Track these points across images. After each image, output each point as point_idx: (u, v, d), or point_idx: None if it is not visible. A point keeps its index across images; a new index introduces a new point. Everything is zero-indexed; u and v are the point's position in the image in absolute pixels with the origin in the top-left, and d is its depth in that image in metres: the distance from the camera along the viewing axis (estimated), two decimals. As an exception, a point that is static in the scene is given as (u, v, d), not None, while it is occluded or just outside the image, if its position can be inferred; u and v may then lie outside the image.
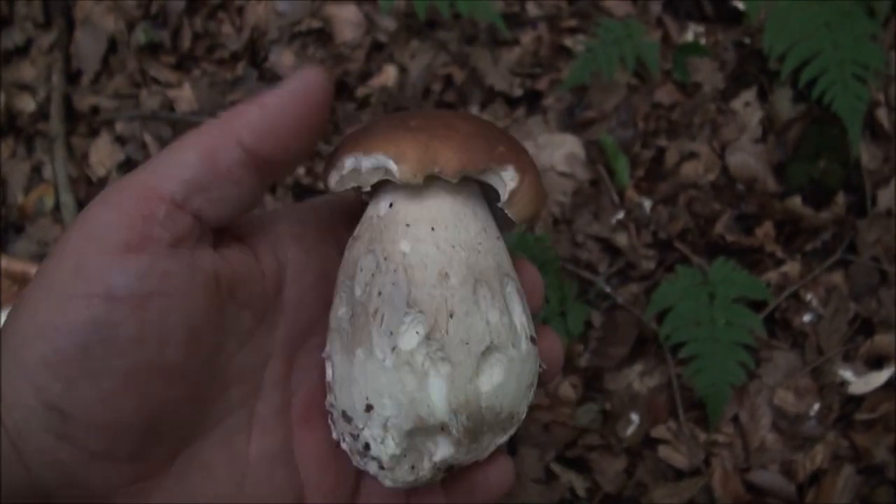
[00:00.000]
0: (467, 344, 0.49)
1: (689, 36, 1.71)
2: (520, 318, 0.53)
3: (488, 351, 0.50)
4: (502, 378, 0.50)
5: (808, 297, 1.48)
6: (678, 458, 1.39)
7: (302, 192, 1.65)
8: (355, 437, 0.51)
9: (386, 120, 0.54)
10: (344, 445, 0.53)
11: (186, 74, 1.86)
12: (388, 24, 1.79)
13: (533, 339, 0.54)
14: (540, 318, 1.36)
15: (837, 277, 1.49)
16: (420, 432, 0.49)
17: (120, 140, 1.82)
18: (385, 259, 0.51)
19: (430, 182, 0.51)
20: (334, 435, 0.54)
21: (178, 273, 0.45)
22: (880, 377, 1.41)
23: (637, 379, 1.45)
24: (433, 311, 0.49)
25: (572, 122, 1.67)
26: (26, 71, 1.90)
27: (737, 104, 1.63)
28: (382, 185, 0.53)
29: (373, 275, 0.51)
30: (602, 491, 1.38)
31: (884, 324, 1.43)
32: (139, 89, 1.85)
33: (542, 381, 0.58)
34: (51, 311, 0.43)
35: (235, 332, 0.50)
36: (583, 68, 1.56)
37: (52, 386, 0.42)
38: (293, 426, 0.55)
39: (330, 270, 0.57)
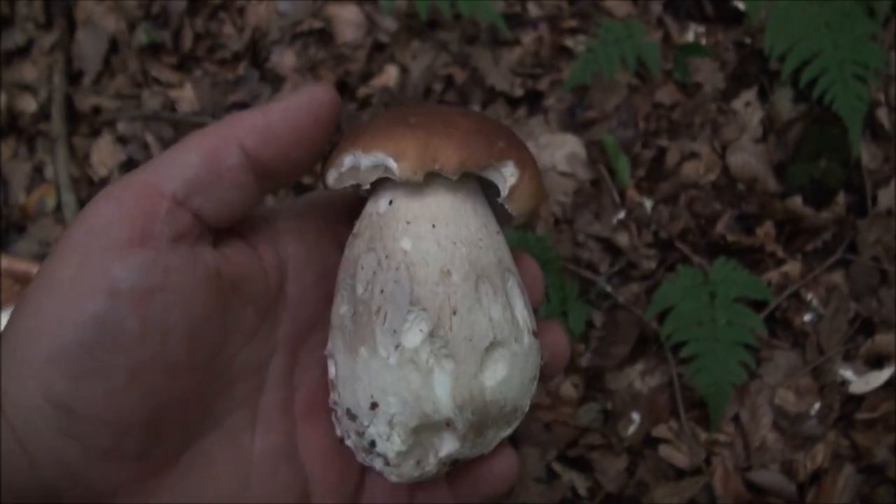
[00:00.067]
0: (471, 340, 0.49)
1: (690, 36, 1.71)
2: (521, 312, 0.53)
3: (492, 346, 0.50)
4: (506, 373, 0.51)
5: (809, 296, 1.48)
6: (679, 457, 1.39)
7: (303, 191, 1.65)
8: (360, 435, 0.51)
9: (384, 117, 0.53)
10: (348, 442, 0.53)
11: (188, 75, 1.86)
12: (390, 24, 1.79)
13: (534, 333, 0.54)
14: (540, 317, 1.36)
15: (838, 277, 1.49)
16: (425, 428, 0.49)
17: (121, 140, 1.82)
18: (386, 257, 0.51)
19: (430, 179, 0.51)
20: (338, 432, 0.54)
21: (179, 268, 0.46)
22: (881, 377, 1.41)
23: (638, 378, 1.46)
24: (436, 308, 0.49)
25: (573, 122, 1.67)
26: (28, 71, 1.90)
27: (737, 104, 1.63)
28: (381, 183, 0.53)
29: (374, 273, 0.51)
30: (603, 490, 1.38)
31: (884, 323, 1.44)
32: (141, 89, 1.85)
33: (546, 375, 0.58)
34: (55, 307, 0.43)
35: (239, 328, 0.51)
36: (584, 68, 1.56)
37: (57, 383, 0.42)
38: (296, 422, 0.55)
39: (330, 266, 0.57)
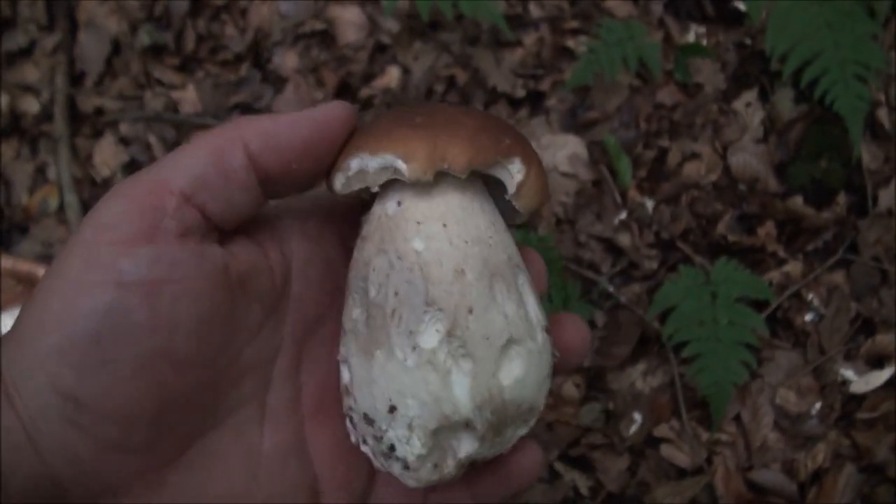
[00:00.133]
0: (488, 339, 0.49)
1: (691, 37, 1.71)
2: (534, 309, 0.53)
3: (508, 344, 0.50)
4: (523, 370, 0.50)
5: (810, 296, 1.48)
6: (681, 457, 1.39)
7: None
8: (378, 440, 0.50)
9: (388, 118, 0.53)
10: (365, 448, 0.53)
11: (190, 76, 1.86)
12: (392, 25, 1.80)
13: (547, 330, 0.54)
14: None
15: (839, 277, 1.50)
16: (445, 430, 0.49)
17: (124, 141, 1.82)
18: (399, 258, 0.50)
19: (438, 178, 0.51)
20: (353, 438, 0.54)
21: (187, 261, 0.46)
22: (881, 376, 1.41)
23: (640, 378, 1.46)
24: (452, 307, 0.49)
25: (575, 123, 1.68)
26: (30, 72, 1.91)
27: (738, 104, 1.64)
28: (389, 184, 0.52)
29: (387, 275, 0.51)
30: (605, 490, 1.38)
31: (885, 323, 1.44)
32: (143, 91, 1.85)
33: (566, 369, 0.58)
34: (63, 300, 0.43)
35: (245, 324, 0.51)
36: (585, 69, 1.56)
37: (63, 374, 0.42)
38: (304, 420, 0.55)
39: (334, 264, 0.57)
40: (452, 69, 1.74)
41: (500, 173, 0.53)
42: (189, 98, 1.82)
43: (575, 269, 1.53)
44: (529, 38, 1.76)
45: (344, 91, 1.77)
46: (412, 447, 0.49)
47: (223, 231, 0.50)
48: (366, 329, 0.51)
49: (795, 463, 1.36)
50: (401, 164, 0.50)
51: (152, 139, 1.79)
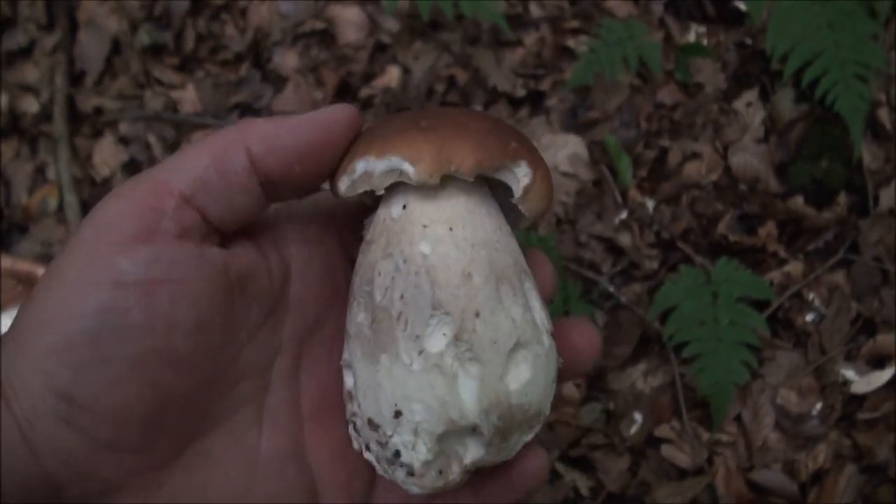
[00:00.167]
0: (495, 343, 0.49)
1: (691, 36, 1.71)
2: (539, 313, 0.53)
3: (515, 348, 0.50)
4: (530, 375, 0.50)
5: (811, 296, 1.48)
6: (681, 457, 1.39)
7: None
8: (383, 445, 0.50)
9: (394, 121, 0.53)
10: (368, 455, 0.52)
11: (190, 75, 1.86)
12: (392, 25, 1.80)
13: (552, 335, 0.54)
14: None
15: (839, 277, 1.50)
16: (451, 435, 0.49)
17: (123, 141, 1.82)
18: (405, 262, 0.50)
19: (444, 182, 0.51)
20: (355, 445, 0.53)
21: (186, 262, 0.46)
22: (882, 377, 1.41)
23: (640, 378, 1.46)
24: (459, 311, 0.49)
25: (575, 123, 1.68)
26: (29, 72, 1.91)
27: (739, 104, 1.63)
28: (394, 187, 0.52)
29: (392, 278, 0.50)
30: (605, 490, 1.38)
31: (886, 323, 1.44)
32: (143, 90, 1.85)
33: (575, 373, 0.58)
34: (60, 299, 0.43)
35: (243, 326, 0.51)
36: (586, 69, 1.56)
37: (60, 373, 0.42)
38: (304, 424, 0.55)
39: (334, 267, 0.57)
40: (453, 69, 1.74)
41: (506, 177, 0.53)
42: (189, 98, 1.82)
43: (575, 268, 1.53)
44: (530, 38, 1.76)
45: (344, 91, 1.77)
46: (418, 453, 0.48)
47: (224, 233, 0.50)
48: (371, 333, 0.50)
49: (796, 463, 1.36)
50: (407, 167, 0.49)
51: (152, 139, 1.79)
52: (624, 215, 1.58)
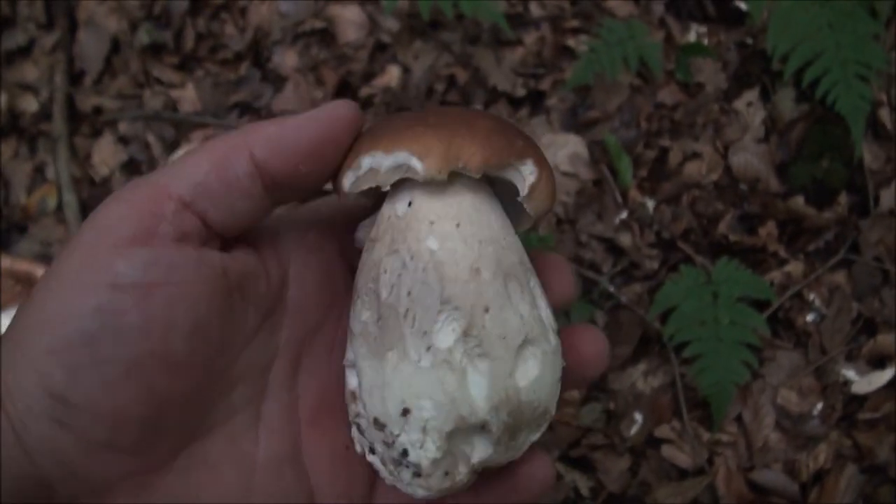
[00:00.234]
0: (504, 338, 0.48)
1: (692, 36, 1.71)
2: (545, 311, 0.53)
3: (524, 345, 0.49)
4: (538, 371, 0.50)
5: (811, 296, 1.48)
6: (682, 457, 1.39)
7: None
8: (389, 445, 0.49)
9: (399, 118, 0.53)
10: (372, 458, 0.51)
11: (189, 75, 1.86)
12: (392, 24, 1.79)
13: (557, 333, 0.53)
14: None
15: (840, 277, 1.49)
16: (459, 433, 0.48)
17: (123, 140, 1.82)
18: (412, 258, 0.50)
19: (450, 179, 0.51)
20: (358, 448, 0.53)
21: (184, 265, 0.46)
22: (883, 377, 1.41)
23: (641, 378, 1.46)
24: (469, 306, 0.48)
25: (576, 123, 1.67)
26: (29, 71, 1.90)
27: (739, 104, 1.63)
28: (398, 184, 0.52)
29: (399, 275, 0.50)
30: (606, 490, 1.38)
31: (886, 323, 1.44)
32: (142, 90, 1.85)
33: (583, 381, 0.57)
34: (57, 300, 0.43)
35: (241, 329, 0.51)
36: (586, 69, 1.56)
37: (54, 373, 0.42)
38: (301, 429, 0.55)
39: (333, 273, 0.57)
40: (453, 68, 1.74)
41: (511, 175, 0.53)
42: (188, 97, 1.82)
43: (576, 269, 1.53)
44: (530, 38, 1.75)
45: (344, 90, 1.77)
46: (426, 451, 0.48)
47: (225, 237, 0.50)
48: (377, 331, 0.50)
49: (797, 463, 1.36)
50: (416, 162, 0.49)
51: (151, 138, 1.79)
52: (624, 215, 1.58)
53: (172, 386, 0.46)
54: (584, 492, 1.38)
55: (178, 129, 1.80)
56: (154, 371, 0.45)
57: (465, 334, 0.48)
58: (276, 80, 1.81)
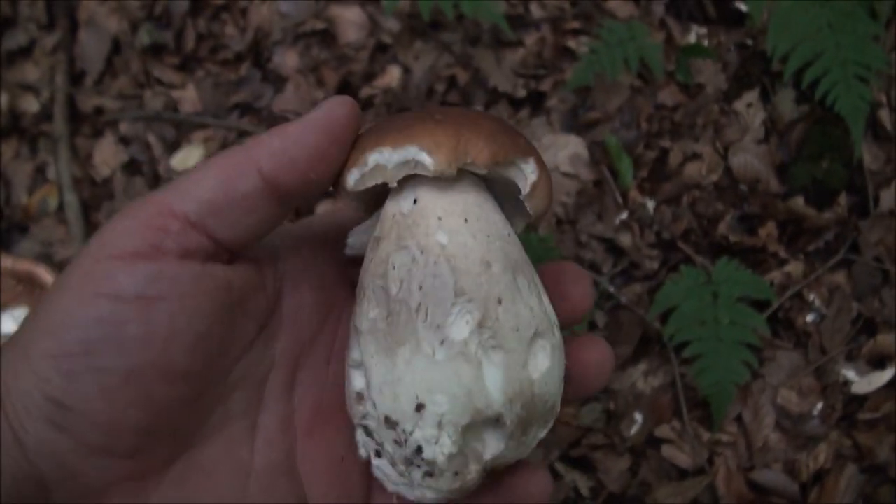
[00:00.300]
0: (518, 330, 0.48)
1: (692, 37, 1.71)
2: (549, 306, 0.53)
3: (535, 337, 0.50)
4: (549, 364, 0.50)
5: (811, 296, 1.48)
6: (682, 457, 1.39)
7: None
8: (402, 444, 0.48)
9: (402, 117, 0.53)
10: (378, 462, 0.51)
11: (190, 75, 1.86)
12: (392, 25, 1.80)
13: (560, 329, 0.54)
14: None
15: (840, 277, 1.50)
16: (474, 427, 0.48)
17: (124, 140, 1.82)
18: (422, 252, 0.50)
19: (456, 175, 0.51)
20: (363, 453, 0.52)
21: (187, 279, 0.46)
22: (883, 377, 1.41)
23: (641, 378, 1.46)
24: (482, 298, 0.48)
25: (576, 123, 1.68)
26: (30, 72, 1.90)
27: (739, 105, 1.64)
28: (402, 182, 0.52)
29: (409, 270, 0.49)
30: (606, 490, 1.38)
31: (886, 324, 1.44)
32: (143, 90, 1.85)
33: (587, 391, 0.57)
34: (59, 309, 0.44)
35: (239, 340, 0.51)
36: (586, 69, 1.56)
37: (52, 378, 0.43)
38: (297, 440, 0.55)
39: (327, 284, 0.57)
40: (453, 69, 1.74)
41: (514, 173, 0.53)
42: (189, 97, 1.82)
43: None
44: (530, 39, 1.76)
45: (344, 90, 1.77)
46: (442, 446, 0.47)
47: (232, 250, 0.50)
48: (387, 327, 0.49)
49: (797, 463, 1.36)
50: (425, 157, 0.49)
51: (152, 138, 1.79)
52: (624, 215, 1.58)
53: (171, 395, 0.46)
54: (585, 491, 1.38)
55: (179, 130, 1.80)
56: (153, 381, 0.45)
57: (480, 326, 0.48)
58: (277, 81, 1.82)
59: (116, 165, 1.79)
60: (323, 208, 1.64)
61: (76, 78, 1.89)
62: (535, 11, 1.78)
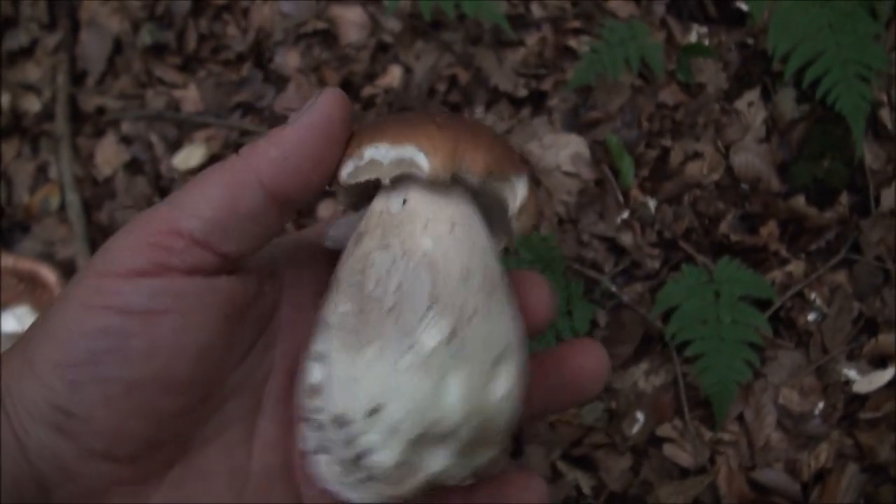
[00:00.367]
0: (486, 348, 0.48)
1: (693, 37, 1.71)
2: (520, 327, 0.52)
3: (500, 357, 0.49)
4: (509, 387, 0.49)
5: (813, 296, 1.48)
6: (683, 456, 1.39)
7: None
8: (349, 444, 0.47)
9: (404, 116, 0.53)
10: (319, 457, 0.50)
11: (192, 75, 1.86)
12: (393, 25, 1.80)
13: (528, 351, 0.53)
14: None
15: (841, 277, 1.50)
16: (424, 440, 0.47)
17: (125, 140, 1.82)
18: (404, 254, 0.49)
19: (449, 183, 0.51)
20: (304, 444, 0.51)
21: (193, 294, 0.47)
22: (884, 376, 1.41)
23: (642, 377, 1.46)
24: (457, 309, 0.47)
25: (577, 123, 1.68)
26: (31, 71, 1.91)
27: (741, 104, 1.64)
28: (393, 181, 0.51)
29: (388, 270, 0.49)
30: (607, 489, 1.38)
31: (887, 323, 1.44)
32: (145, 90, 1.85)
33: (584, 397, 0.57)
34: (66, 319, 0.45)
35: (239, 347, 0.52)
36: (587, 69, 1.56)
37: (57, 386, 0.43)
38: (294, 443, 0.55)
39: (325, 288, 0.57)
40: (454, 68, 1.74)
41: (505, 188, 0.52)
42: (191, 97, 1.82)
43: (577, 268, 1.53)
44: (531, 38, 1.76)
45: (346, 90, 1.74)
46: (389, 453, 0.46)
47: (236, 261, 0.51)
48: (356, 323, 0.48)
49: (798, 463, 1.36)
50: (422, 159, 0.49)
51: (154, 138, 1.79)
52: (626, 215, 1.58)
53: (172, 405, 0.47)
54: (586, 490, 1.38)
55: (181, 129, 1.80)
56: (155, 392, 0.46)
57: (450, 338, 0.47)
58: (279, 81, 1.82)
59: (118, 165, 1.79)
60: (324, 207, 1.64)
61: (78, 78, 1.89)
62: (536, 11, 1.78)
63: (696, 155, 1.61)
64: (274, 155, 0.48)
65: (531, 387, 0.55)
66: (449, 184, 0.51)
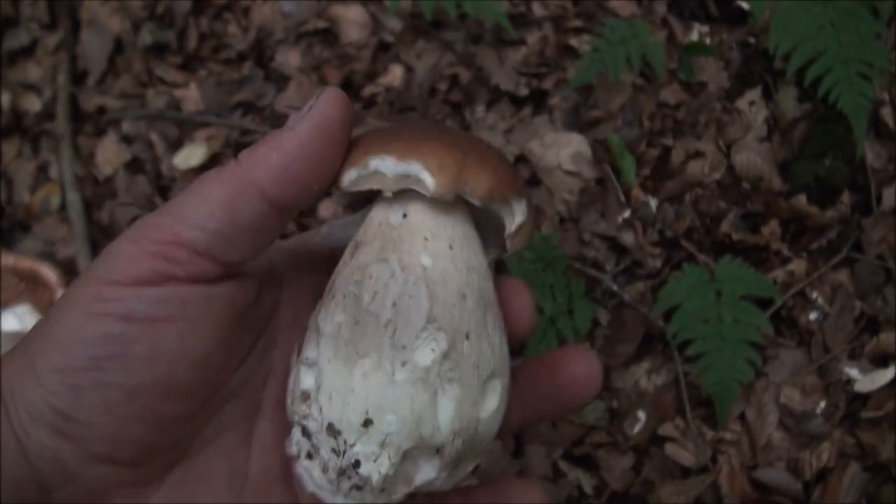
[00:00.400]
0: (478, 367, 0.49)
1: (694, 36, 1.71)
2: (506, 347, 0.54)
3: (490, 377, 0.50)
4: (496, 405, 0.51)
5: (814, 295, 1.48)
6: (685, 455, 1.39)
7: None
8: (340, 454, 0.48)
9: (415, 128, 0.52)
10: (307, 463, 0.50)
11: (192, 74, 1.86)
12: (394, 24, 1.80)
13: (513, 371, 0.54)
14: (548, 317, 1.36)
15: (843, 276, 1.50)
16: (414, 453, 0.48)
17: (126, 139, 1.82)
18: (402, 270, 0.49)
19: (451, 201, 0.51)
20: (293, 450, 0.51)
21: (195, 301, 0.47)
22: (886, 375, 1.41)
23: (644, 377, 1.46)
24: (452, 329, 0.48)
25: (578, 122, 1.68)
26: (32, 71, 1.91)
27: (742, 103, 1.64)
28: (395, 193, 0.52)
29: (385, 284, 0.49)
30: (609, 488, 1.38)
31: (889, 322, 1.44)
32: (145, 89, 1.85)
33: (575, 404, 0.58)
34: (68, 325, 0.45)
35: (239, 351, 0.52)
36: (589, 68, 1.56)
37: (59, 391, 0.44)
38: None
39: (323, 292, 0.57)
40: (455, 68, 1.74)
41: (504, 210, 0.53)
42: (191, 96, 1.82)
43: (579, 267, 1.53)
44: (533, 37, 1.76)
45: (346, 89, 1.77)
46: (380, 465, 0.47)
47: (237, 267, 0.51)
48: (351, 335, 0.49)
49: (800, 462, 1.36)
50: (427, 176, 0.49)
51: (154, 137, 1.79)
52: (627, 214, 1.58)
53: (173, 411, 0.47)
54: (588, 490, 1.38)
55: (182, 129, 1.80)
56: (156, 398, 0.46)
57: (444, 356, 0.48)
58: (279, 80, 1.82)
59: (119, 164, 1.79)
60: (324, 207, 1.64)
61: (78, 77, 1.89)
62: (538, 10, 1.78)
63: (698, 154, 1.61)
64: (274, 161, 0.47)
65: (525, 396, 0.56)
66: (451, 202, 0.51)
